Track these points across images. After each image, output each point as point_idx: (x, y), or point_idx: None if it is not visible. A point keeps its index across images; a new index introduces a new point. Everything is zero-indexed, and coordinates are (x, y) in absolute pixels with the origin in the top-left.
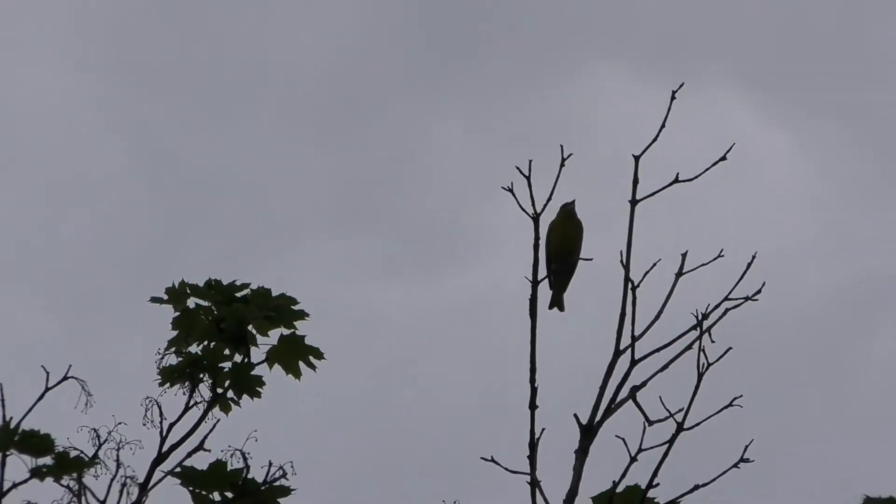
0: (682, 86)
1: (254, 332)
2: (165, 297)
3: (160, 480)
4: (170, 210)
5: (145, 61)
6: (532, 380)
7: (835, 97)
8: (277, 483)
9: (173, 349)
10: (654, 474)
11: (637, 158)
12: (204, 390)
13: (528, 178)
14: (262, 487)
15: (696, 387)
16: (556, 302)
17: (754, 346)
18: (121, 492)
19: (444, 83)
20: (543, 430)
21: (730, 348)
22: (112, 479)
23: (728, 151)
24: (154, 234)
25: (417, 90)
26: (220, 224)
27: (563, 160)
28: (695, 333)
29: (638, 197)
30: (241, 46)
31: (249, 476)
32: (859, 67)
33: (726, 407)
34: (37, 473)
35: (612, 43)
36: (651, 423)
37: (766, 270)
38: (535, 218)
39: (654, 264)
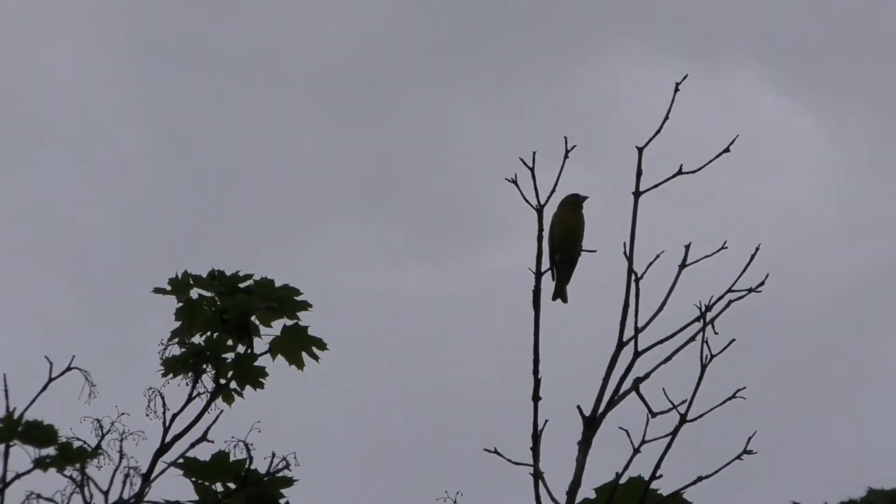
0: (685, 77)
1: (257, 322)
2: (168, 287)
3: (163, 471)
4: (193, 192)
5: (169, 42)
6: (535, 371)
7: (860, 80)
8: (280, 474)
9: (176, 340)
10: (657, 466)
11: (640, 150)
12: (207, 381)
13: (531, 169)
14: (265, 478)
15: (700, 378)
16: (560, 293)
17: (769, 336)
18: (124, 482)
19: (466, 66)
20: (546, 421)
21: (733, 340)
22: (115, 470)
23: (731, 143)
24: (177, 217)
25: (440, 73)
26: (243, 207)
27: (567, 152)
28: (698, 325)
29: (641, 188)
30: (264, 28)
31: (252, 467)
32: (886, 50)
33: (729, 399)
34: (40, 464)
35: (635, 25)
36: (654, 414)
37: (788, 256)
38: (539, 210)
39: (658, 256)
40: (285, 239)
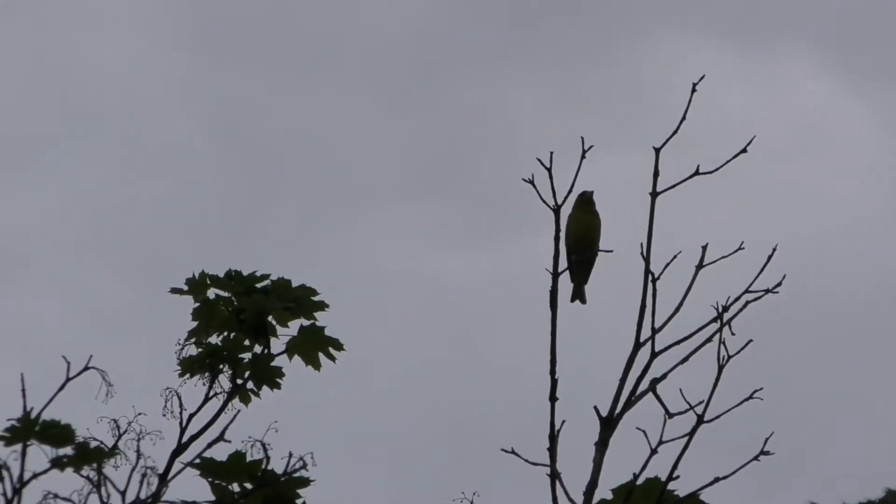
0: (702, 78)
1: (274, 323)
2: (185, 287)
3: (180, 471)
4: (247, 179)
5: (224, 28)
6: (552, 371)
7: None
8: (297, 474)
9: (193, 340)
10: (675, 467)
11: (658, 150)
12: (224, 381)
13: (549, 170)
14: (282, 478)
15: (717, 379)
16: (578, 294)
17: (805, 327)
18: (140, 482)
19: (522, 49)
20: (564, 421)
21: (750, 341)
22: (132, 470)
23: (749, 144)
24: (231, 204)
25: (495, 57)
26: (296, 193)
27: (584, 152)
28: (715, 326)
29: (658, 189)
30: (320, 12)
31: (269, 467)
32: None
33: (747, 399)
34: (57, 464)
35: (689, 9)
36: (671, 415)
37: (835, 243)
38: (556, 210)
39: (675, 256)
40: (337, 224)
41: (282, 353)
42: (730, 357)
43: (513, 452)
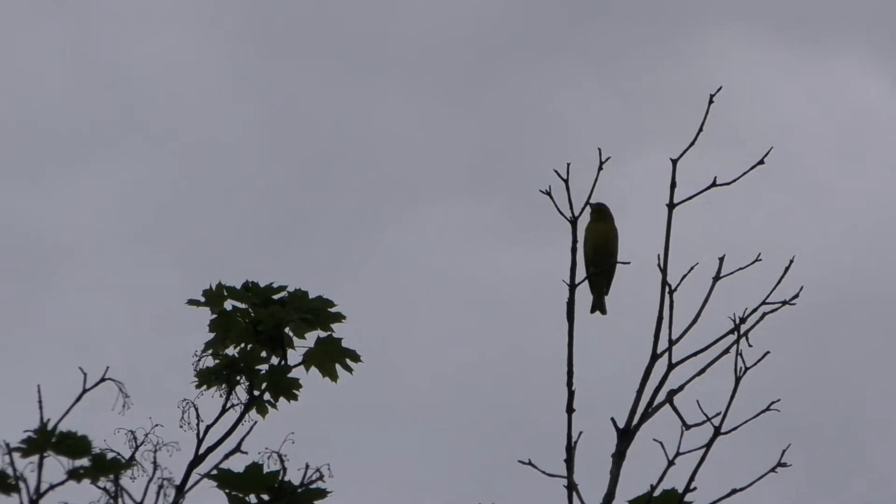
0: (720, 89)
1: (290, 334)
2: (203, 299)
3: (197, 482)
4: (302, 174)
5: (279, 23)
6: (569, 383)
7: None
8: (314, 486)
9: (210, 351)
10: (692, 478)
11: (675, 162)
12: (241, 392)
13: (566, 181)
14: (299, 490)
15: (734, 391)
16: (598, 306)
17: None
18: (157, 494)
19: (576, 45)
20: (581, 433)
21: (767, 352)
22: (149, 481)
23: (766, 155)
24: (285, 199)
25: (549, 52)
26: (349, 186)
27: (601, 164)
28: (732, 337)
29: (675, 201)
30: (371, 8)
31: (286, 478)
32: None
33: (764, 411)
34: (73, 475)
35: (742, 4)
36: (688, 426)
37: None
38: (573, 221)
39: (692, 268)
40: (391, 219)
41: (298, 364)
42: (747, 369)
43: (530, 464)
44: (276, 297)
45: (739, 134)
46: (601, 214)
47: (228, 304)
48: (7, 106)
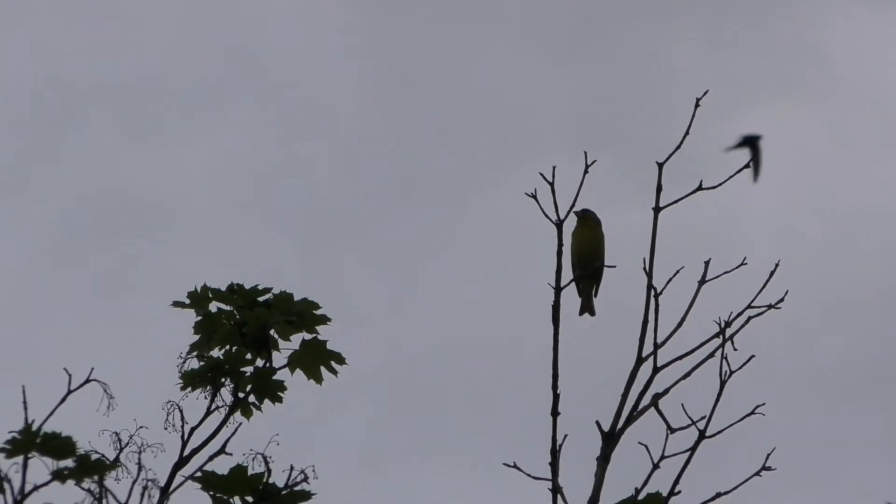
0: (706, 93)
1: (276, 336)
2: (187, 301)
3: (181, 484)
4: (410, 133)
5: None
6: (554, 386)
7: None
8: (298, 487)
9: (195, 353)
10: (676, 482)
11: (661, 165)
12: (226, 395)
13: (551, 184)
14: (284, 492)
15: (719, 395)
16: (587, 308)
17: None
18: (142, 495)
19: (682, 1)
20: (566, 436)
21: (753, 356)
22: (133, 483)
23: (749, 162)
24: (394, 158)
25: (656, 8)
26: (457, 147)
27: (587, 167)
28: (717, 341)
29: (661, 204)
30: None
31: (270, 480)
32: None
33: (749, 415)
34: (58, 476)
35: None
36: (673, 430)
37: None
38: (559, 224)
39: (677, 272)
40: (496, 178)
41: (283, 366)
42: (732, 372)
43: (515, 467)
44: (261, 299)
45: (843, 91)
46: (586, 220)
47: (213, 306)
48: (120, 65)
